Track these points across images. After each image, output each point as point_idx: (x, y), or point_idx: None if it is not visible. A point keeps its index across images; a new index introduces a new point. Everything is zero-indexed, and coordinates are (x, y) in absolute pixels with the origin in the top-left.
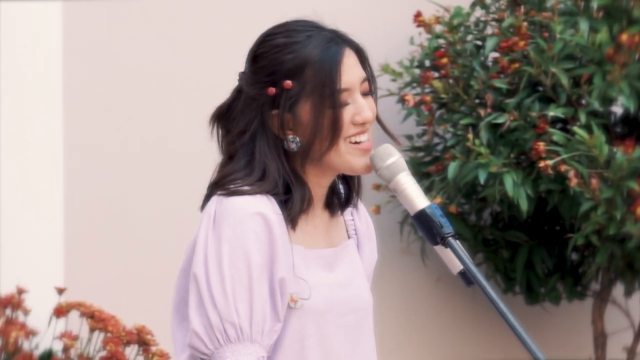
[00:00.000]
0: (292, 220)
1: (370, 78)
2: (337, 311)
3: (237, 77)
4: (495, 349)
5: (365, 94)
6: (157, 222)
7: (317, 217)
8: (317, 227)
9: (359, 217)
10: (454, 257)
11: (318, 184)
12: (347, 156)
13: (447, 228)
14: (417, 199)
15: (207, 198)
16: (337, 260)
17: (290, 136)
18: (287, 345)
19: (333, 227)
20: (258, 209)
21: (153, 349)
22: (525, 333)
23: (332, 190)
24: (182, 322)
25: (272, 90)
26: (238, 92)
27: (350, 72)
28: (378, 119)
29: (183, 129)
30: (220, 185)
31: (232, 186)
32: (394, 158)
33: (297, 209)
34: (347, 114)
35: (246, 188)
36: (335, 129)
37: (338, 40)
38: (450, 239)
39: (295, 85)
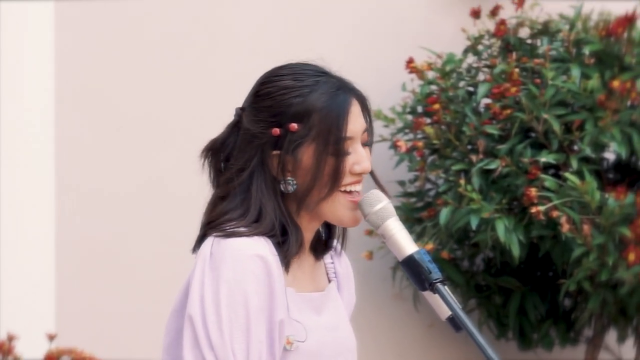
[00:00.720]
0: (286, 263)
1: (369, 129)
2: (327, 354)
3: (234, 113)
4: None
5: (364, 145)
6: (149, 265)
7: (304, 260)
8: (305, 270)
9: (339, 261)
10: (443, 302)
11: (308, 228)
12: (339, 207)
13: (436, 274)
14: (406, 244)
15: (201, 239)
16: (323, 304)
17: (289, 178)
18: None
19: (317, 271)
20: (257, 251)
21: None
22: None
23: (317, 234)
24: None
25: (276, 130)
26: (234, 127)
27: (356, 121)
28: (371, 170)
29: (177, 170)
30: (215, 226)
31: (227, 227)
32: (382, 204)
33: (292, 251)
34: (348, 163)
35: (243, 229)
36: (336, 178)
37: (345, 89)
38: (438, 284)
39: (300, 128)
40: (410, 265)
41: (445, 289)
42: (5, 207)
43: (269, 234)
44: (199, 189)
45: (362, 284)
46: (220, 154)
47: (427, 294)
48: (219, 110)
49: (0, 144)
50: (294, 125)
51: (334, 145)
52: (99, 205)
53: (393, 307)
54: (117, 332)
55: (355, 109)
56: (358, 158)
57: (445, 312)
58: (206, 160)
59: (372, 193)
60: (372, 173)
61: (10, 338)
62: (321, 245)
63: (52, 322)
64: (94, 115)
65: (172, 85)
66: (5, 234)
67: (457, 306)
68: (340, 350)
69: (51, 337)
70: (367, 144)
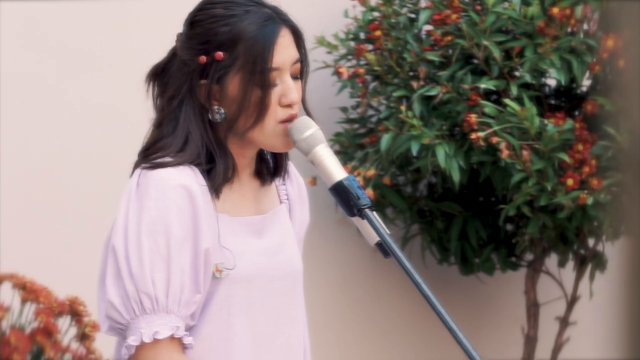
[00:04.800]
0: (216, 190)
1: (303, 61)
2: (264, 278)
3: (176, 38)
4: (430, 319)
5: (295, 77)
6: (90, 191)
7: (244, 185)
8: (245, 195)
9: (291, 182)
10: (371, 228)
11: (242, 155)
12: (272, 135)
13: (364, 199)
14: (335, 170)
15: (136, 166)
16: (265, 227)
17: (215, 107)
18: (213, 313)
19: (263, 195)
20: (180, 181)
21: (85, 319)
22: (438, 302)
23: (261, 159)
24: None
25: (203, 58)
26: (174, 53)
27: (283, 52)
28: (303, 103)
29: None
30: (146, 155)
31: (154, 158)
32: (311, 130)
33: (220, 178)
34: (275, 94)
35: (168, 159)
36: (261, 109)
37: (276, 19)
38: (367, 210)
39: (226, 57)
40: (339, 191)
41: (374, 215)
42: None
43: (194, 162)
44: (145, 114)
45: None
46: (163, 79)
47: (356, 220)
48: None
49: None
50: (220, 54)
51: (259, 75)
52: (39, 130)
53: (337, 232)
54: (58, 258)
55: (283, 40)
56: (285, 89)
57: (373, 238)
58: (150, 86)
59: (301, 119)
60: (304, 105)
61: None
62: (268, 170)
63: None
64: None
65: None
66: None
67: (385, 232)
68: (280, 273)
69: None
70: (298, 76)
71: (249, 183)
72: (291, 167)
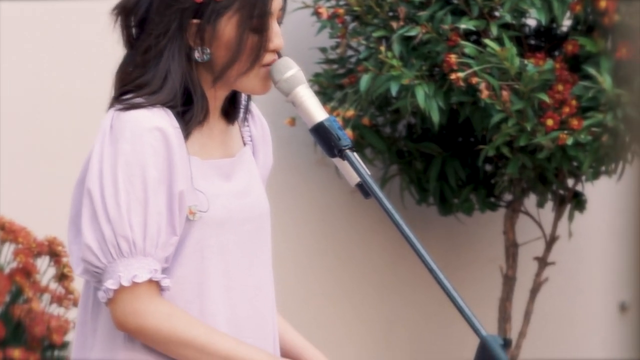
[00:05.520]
0: (187, 133)
1: (284, 7)
2: (235, 221)
3: None
4: (409, 259)
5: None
6: (69, 132)
7: (212, 127)
8: (214, 137)
9: (254, 123)
10: (352, 169)
11: (215, 97)
12: (254, 79)
13: (345, 140)
14: (315, 111)
15: (111, 105)
16: (234, 170)
17: (205, 47)
18: (187, 256)
19: (229, 136)
20: (155, 123)
21: (64, 260)
22: (418, 242)
23: (228, 99)
24: (77, 235)
25: None
26: None
27: None
28: None
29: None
30: (123, 93)
31: (129, 98)
32: (292, 71)
33: (196, 120)
34: (269, 39)
35: (142, 100)
36: (258, 54)
37: None
38: (347, 151)
39: None
40: (319, 132)
41: (354, 156)
42: None
43: (168, 103)
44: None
45: (284, 150)
46: (132, 16)
47: (337, 161)
48: None
49: None
50: None
51: (257, 19)
52: (19, 78)
53: (315, 173)
54: (37, 198)
55: None
56: (272, 35)
57: (354, 179)
58: (118, 20)
59: (282, 60)
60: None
61: None
62: (233, 110)
63: None
64: None
65: None
66: None
67: (366, 172)
68: (250, 215)
69: None
70: (280, 21)
71: (217, 125)
72: (254, 108)
